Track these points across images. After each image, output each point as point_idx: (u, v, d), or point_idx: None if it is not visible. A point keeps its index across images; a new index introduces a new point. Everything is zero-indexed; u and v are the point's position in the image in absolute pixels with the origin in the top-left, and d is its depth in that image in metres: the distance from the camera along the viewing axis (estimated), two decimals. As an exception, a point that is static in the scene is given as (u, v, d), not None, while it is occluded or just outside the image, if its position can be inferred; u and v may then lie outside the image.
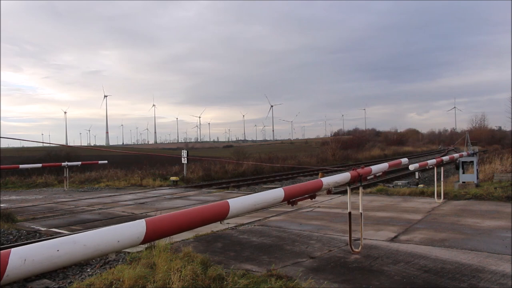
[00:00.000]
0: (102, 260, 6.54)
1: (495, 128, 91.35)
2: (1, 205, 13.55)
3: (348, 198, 5.99)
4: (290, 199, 4.44)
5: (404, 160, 8.36)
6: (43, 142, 9.99)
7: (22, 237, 8.47)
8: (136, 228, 2.76)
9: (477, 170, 13.62)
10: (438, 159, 10.33)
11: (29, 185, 20.86)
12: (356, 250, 6.04)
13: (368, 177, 6.37)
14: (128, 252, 6.49)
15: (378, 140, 77.20)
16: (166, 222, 2.96)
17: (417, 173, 19.88)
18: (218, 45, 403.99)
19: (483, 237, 6.77)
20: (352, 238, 6.93)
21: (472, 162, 13.62)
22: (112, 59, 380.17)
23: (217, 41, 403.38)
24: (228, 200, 3.56)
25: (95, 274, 5.72)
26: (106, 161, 20.93)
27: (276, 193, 4.21)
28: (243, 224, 8.52)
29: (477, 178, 13.54)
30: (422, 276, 4.88)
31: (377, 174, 6.82)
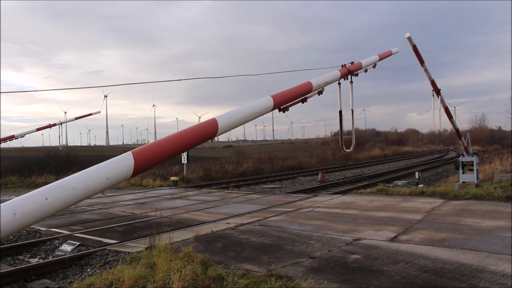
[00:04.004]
0: (102, 260, 6.54)
1: (495, 128, 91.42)
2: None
3: (338, 92, 6.04)
4: (280, 106, 4.20)
5: (395, 50, 8.35)
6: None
7: (22, 237, 8.47)
8: (124, 162, 2.70)
9: (477, 170, 13.63)
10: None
11: (29, 185, 20.88)
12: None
13: (359, 72, 6.33)
14: (128, 252, 6.49)
15: (378, 140, 77.24)
16: (154, 150, 2.91)
17: (417, 173, 19.88)
18: (218, 45, 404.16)
19: (483, 237, 6.77)
20: (352, 239, 6.95)
21: (472, 162, 13.64)
22: (113, 59, 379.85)
23: (217, 41, 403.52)
24: (215, 117, 3.49)
25: (95, 274, 5.73)
26: (99, 112, 21.40)
27: (265, 102, 4.03)
28: (243, 224, 8.53)
29: (477, 178, 13.56)
30: (422, 276, 4.88)
31: (368, 68, 6.84)
